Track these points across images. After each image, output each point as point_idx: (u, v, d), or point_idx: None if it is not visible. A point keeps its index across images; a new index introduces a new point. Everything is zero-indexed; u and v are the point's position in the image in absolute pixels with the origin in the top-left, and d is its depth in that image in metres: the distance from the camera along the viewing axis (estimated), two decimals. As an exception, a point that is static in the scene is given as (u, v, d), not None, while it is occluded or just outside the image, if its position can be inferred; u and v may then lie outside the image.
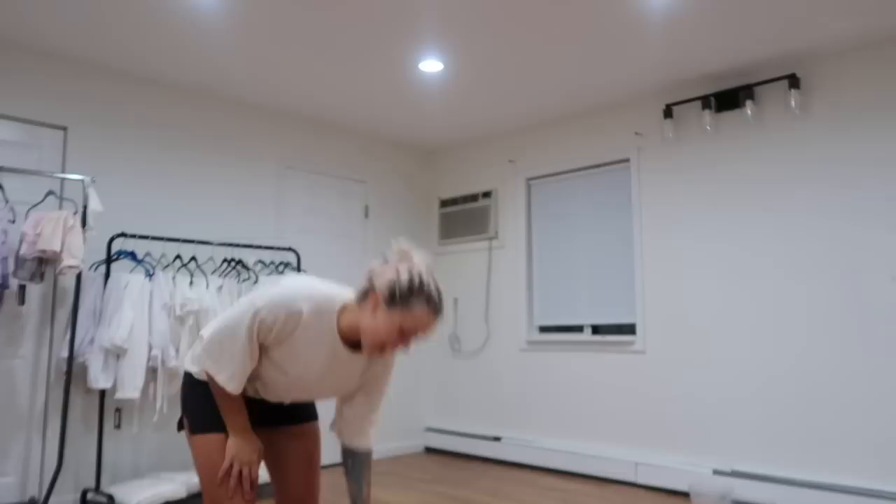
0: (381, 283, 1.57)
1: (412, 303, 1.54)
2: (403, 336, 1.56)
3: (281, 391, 1.78)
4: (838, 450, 3.57)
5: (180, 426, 1.85)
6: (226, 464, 1.70)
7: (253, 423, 1.85)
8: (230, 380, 1.65)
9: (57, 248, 3.30)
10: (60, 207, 3.71)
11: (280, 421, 1.92)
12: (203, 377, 1.75)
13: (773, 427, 3.81)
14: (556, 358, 4.87)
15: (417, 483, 4.38)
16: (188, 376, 1.80)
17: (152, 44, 3.66)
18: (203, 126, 4.43)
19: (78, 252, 3.36)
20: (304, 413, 1.97)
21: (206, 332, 1.68)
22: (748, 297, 3.97)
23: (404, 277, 1.55)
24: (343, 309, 1.67)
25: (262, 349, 1.68)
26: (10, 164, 3.55)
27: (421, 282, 1.55)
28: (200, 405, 1.76)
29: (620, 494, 4.06)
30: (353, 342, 1.69)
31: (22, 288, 3.47)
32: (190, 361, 1.79)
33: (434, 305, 1.57)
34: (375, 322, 1.56)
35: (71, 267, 3.34)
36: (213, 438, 1.74)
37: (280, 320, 1.60)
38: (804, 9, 3.28)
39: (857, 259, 3.61)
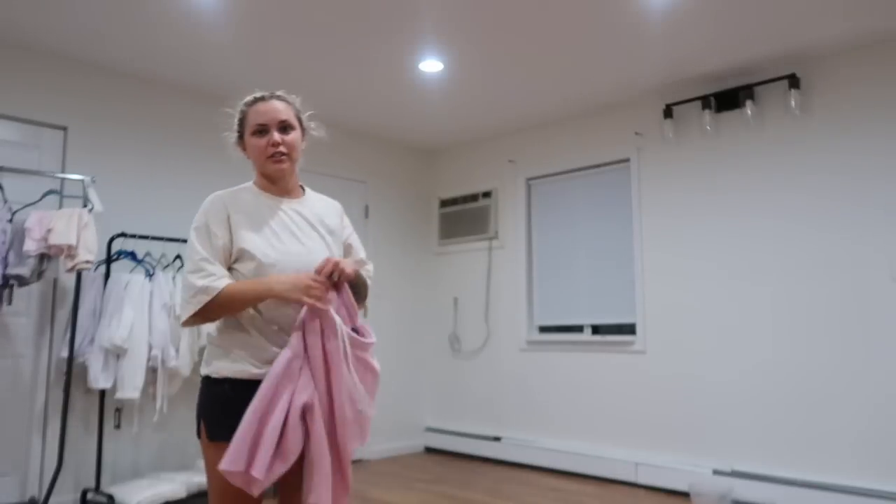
0: (231, 139, 1.87)
1: (244, 115, 1.80)
2: (263, 133, 1.77)
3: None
4: (838, 450, 3.57)
5: (200, 432, 1.73)
6: (305, 300, 1.62)
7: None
8: (212, 283, 1.64)
9: (73, 241, 3.32)
10: (60, 207, 3.72)
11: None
12: (218, 375, 1.68)
13: (773, 427, 3.81)
14: (556, 358, 4.87)
15: (417, 483, 4.38)
16: (204, 380, 1.73)
17: (152, 44, 3.66)
18: (203, 126, 4.42)
19: (93, 247, 3.39)
20: None
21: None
22: (748, 296, 3.97)
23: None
24: (253, 182, 1.87)
25: (235, 260, 1.72)
26: (10, 164, 3.55)
27: (238, 108, 1.83)
28: (218, 410, 1.67)
29: (620, 494, 4.06)
30: (279, 192, 1.84)
31: (10, 287, 3.44)
32: (204, 363, 1.74)
33: (251, 99, 1.80)
34: (250, 150, 1.81)
35: (88, 262, 3.37)
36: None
37: (209, 214, 1.74)
38: (804, 9, 3.28)
39: (857, 259, 3.61)
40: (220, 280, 1.65)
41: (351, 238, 1.97)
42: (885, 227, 3.54)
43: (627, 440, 4.42)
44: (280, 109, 1.77)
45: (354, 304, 1.77)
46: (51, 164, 3.76)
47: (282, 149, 1.76)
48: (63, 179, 3.75)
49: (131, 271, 3.76)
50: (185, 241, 3.97)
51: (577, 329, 4.84)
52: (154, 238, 3.84)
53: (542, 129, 5.15)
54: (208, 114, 4.46)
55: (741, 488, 3.78)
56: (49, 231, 3.31)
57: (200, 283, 1.63)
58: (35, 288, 3.63)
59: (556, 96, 4.55)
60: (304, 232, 1.80)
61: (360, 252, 1.99)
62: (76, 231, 3.34)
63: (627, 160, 4.64)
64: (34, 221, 3.33)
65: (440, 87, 4.34)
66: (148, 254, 3.91)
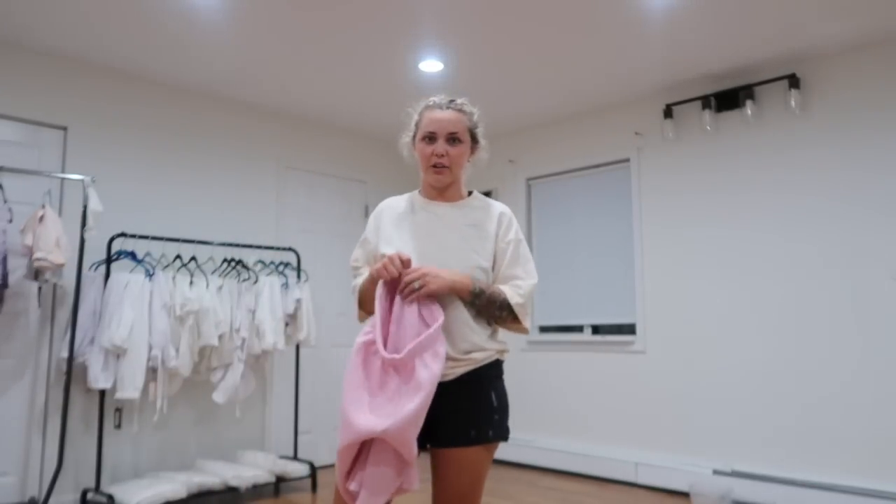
0: (403, 143, 1.90)
1: (420, 117, 1.82)
2: (431, 142, 1.77)
3: None
4: (838, 450, 3.57)
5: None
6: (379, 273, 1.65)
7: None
8: (356, 282, 1.84)
9: (29, 242, 3.27)
10: (61, 208, 3.72)
11: (438, 435, 1.67)
12: None
13: (773, 427, 3.80)
14: (557, 358, 4.87)
15: (417, 483, 4.38)
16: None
17: (152, 44, 3.66)
18: (203, 126, 4.42)
19: (46, 246, 3.25)
20: (464, 429, 1.67)
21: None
22: (748, 296, 3.97)
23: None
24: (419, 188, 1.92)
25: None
26: (10, 164, 3.55)
27: (418, 110, 1.85)
28: None
29: (620, 494, 4.06)
30: (437, 196, 1.84)
31: (39, 290, 3.46)
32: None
33: (431, 103, 1.82)
34: (418, 154, 1.82)
35: (38, 259, 3.22)
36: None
37: (369, 221, 1.89)
38: (804, 9, 3.28)
39: (856, 259, 3.61)
40: (359, 279, 1.84)
41: (508, 249, 1.78)
42: (885, 227, 3.54)
43: (627, 440, 4.42)
44: (452, 121, 1.77)
45: (433, 316, 1.63)
46: (51, 164, 3.76)
47: (444, 161, 1.76)
48: (63, 179, 3.75)
49: (131, 271, 3.75)
50: (184, 240, 3.98)
51: (577, 329, 4.84)
52: (154, 238, 3.84)
53: (542, 129, 5.15)
54: (208, 114, 4.46)
55: (741, 488, 3.77)
56: (21, 232, 3.31)
57: (353, 284, 1.87)
58: (35, 288, 3.63)
59: (556, 96, 4.54)
60: (445, 234, 1.77)
61: (514, 267, 1.77)
62: (32, 229, 3.27)
63: (627, 160, 4.64)
64: (22, 225, 3.34)
65: (440, 87, 4.33)
66: (148, 254, 3.91)
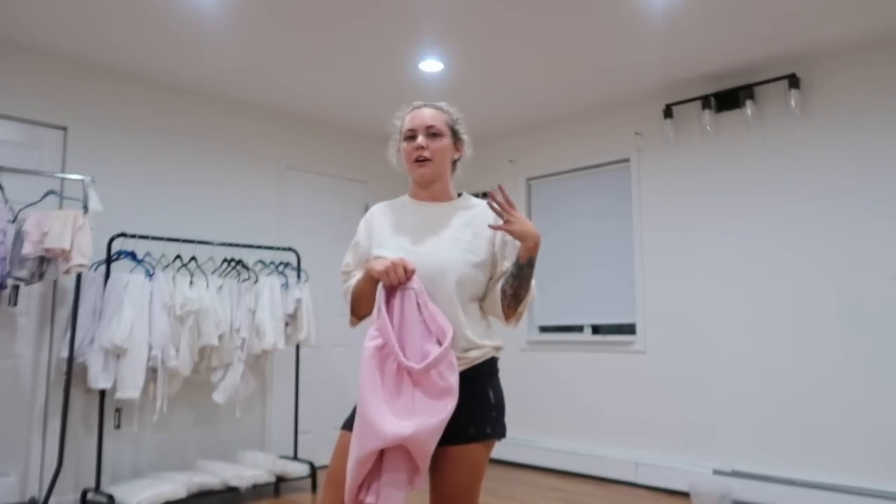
0: (391, 153, 1.92)
1: (402, 122, 1.85)
2: (411, 139, 1.80)
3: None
4: (838, 450, 3.57)
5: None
6: (381, 276, 1.63)
7: None
8: (347, 284, 1.82)
9: (67, 246, 3.30)
10: (61, 207, 3.72)
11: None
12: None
13: (773, 427, 3.81)
14: (556, 358, 4.87)
15: (417, 483, 4.38)
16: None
17: (152, 44, 3.66)
18: (203, 126, 4.42)
19: (87, 250, 3.37)
20: (463, 427, 1.66)
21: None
22: (748, 296, 3.97)
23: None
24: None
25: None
26: (10, 164, 3.55)
27: (401, 118, 1.88)
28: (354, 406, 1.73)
29: (620, 494, 4.06)
30: (426, 197, 1.86)
31: (15, 289, 3.45)
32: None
33: (412, 106, 1.86)
34: (403, 155, 1.84)
35: (81, 265, 3.35)
36: (341, 435, 1.71)
37: (360, 225, 1.88)
38: (804, 9, 3.28)
39: (857, 259, 3.61)
40: (352, 280, 1.81)
41: (506, 247, 1.79)
42: (885, 227, 3.54)
43: (627, 440, 4.42)
44: (429, 115, 1.81)
45: (437, 326, 1.64)
46: (51, 164, 3.76)
47: (425, 153, 1.77)
48: (63, 179, 3.75)
49: (131, 271, 3.75)
50: (184, 240, 3.98)
51: (577, 329, 4.84)
52: (154, 238, 3.84)
53: (542, 129, 5.15)
54: (208, 114, 4.46)
55: (741, 488, 3.78)
56: (45, 234, 3.31)
57: (345, 286, 1.84)
58: (35, 288, 3.63)
59: (556, 96, 4.54)
60: (438, 233, 1.77)
61: (507, 263, 1.79)
62: (70, 234, 3.32)
63: (627, 160, 4.64)
64: (32, 224, 3.33)
65: (440, 87, 4.34)
66: (148, 254, 3.91)
